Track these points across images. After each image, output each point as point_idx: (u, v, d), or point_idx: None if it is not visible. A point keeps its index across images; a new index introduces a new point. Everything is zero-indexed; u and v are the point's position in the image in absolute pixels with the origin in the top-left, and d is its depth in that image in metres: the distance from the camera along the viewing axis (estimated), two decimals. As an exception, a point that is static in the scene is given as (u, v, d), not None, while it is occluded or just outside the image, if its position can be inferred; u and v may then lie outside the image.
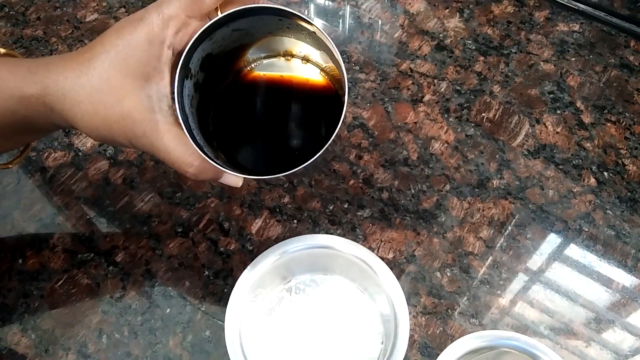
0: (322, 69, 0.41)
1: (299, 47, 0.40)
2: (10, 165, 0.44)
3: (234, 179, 0.39)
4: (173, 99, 0.36)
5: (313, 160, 0.35)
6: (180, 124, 0.35)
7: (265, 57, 0.41)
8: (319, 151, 0.35)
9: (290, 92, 0.42)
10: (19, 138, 0.42)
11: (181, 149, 0.35)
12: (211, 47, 0.37)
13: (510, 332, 0.37)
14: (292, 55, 0.41)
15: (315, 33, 0.36)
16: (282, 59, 0.41)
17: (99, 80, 0.35)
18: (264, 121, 0.42)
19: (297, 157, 0.40)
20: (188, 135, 0.35)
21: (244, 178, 0.38)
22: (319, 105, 0.41)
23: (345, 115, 0.36)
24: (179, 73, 0.35)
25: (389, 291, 0.42)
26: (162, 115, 0.35)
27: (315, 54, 0.41)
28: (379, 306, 0.45)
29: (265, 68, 0.41)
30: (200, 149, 0.35)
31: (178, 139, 0.35)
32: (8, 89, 0.36)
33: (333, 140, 0.35)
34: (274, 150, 0.42)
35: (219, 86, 0.41)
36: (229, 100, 0.41)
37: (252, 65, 0.41)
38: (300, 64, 0.41)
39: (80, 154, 0.56)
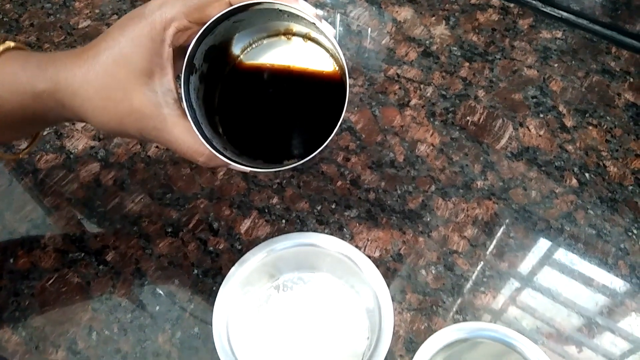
0: (323, 47, 0.41)
1: (299, 27, 0.40)
2: (20, 155, 0.45)
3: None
4: (179, 94, 0.37)
5: (320, 151, 0.36)
6: (188, 120, 0.36)
7: (266, 37, 0.41)
8: (323, 141, 0.36)
9: (292, 74, 0.42)
10: (28, 129, 0.44)
11: (191, 140, 0.37)
12: (213, 40, 0.38)
13: (488, 324, 0.38)
14: (293, 34, 0.41)
15: (314, 24, 0.37)
16: (283, 37, 0.41)
17: (105, 77, 0.36)
18: (267, 105, 0.42)
19: (303, 143, 0.41)
20: (197, 132, 0.36)
21: (249, 168, 0.39)
22: (322, 87, 0.41)
23: (349, 98, 0.36)
24: (184, 72, 0.36)
25: (374, 286, 0.43)
26: (169, 109, 0.37)
27: (316, 33, 0.41)
28: (365, 301, 0.45)
29: (266, 48, 0.42)
30: (208, 143, 0.36)
31: (187, 130, 0.37)
32: (20, 84, 0.37)
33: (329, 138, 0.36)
34: (279, 134, 0.42)
35: (223, 71, 0.42)
36: (232, 84, 0.42)
37: (254, 46, 0.42)
38: (302, 42, 0.41)
39: (71, 156, 0.57)
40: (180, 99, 0.37)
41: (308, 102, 0.42)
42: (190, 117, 0.36)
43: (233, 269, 0.44)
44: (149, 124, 0.37)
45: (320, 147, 0.37)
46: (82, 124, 0.59)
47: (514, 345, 0.37)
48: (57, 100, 0.37)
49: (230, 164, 0.38)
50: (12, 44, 0.38)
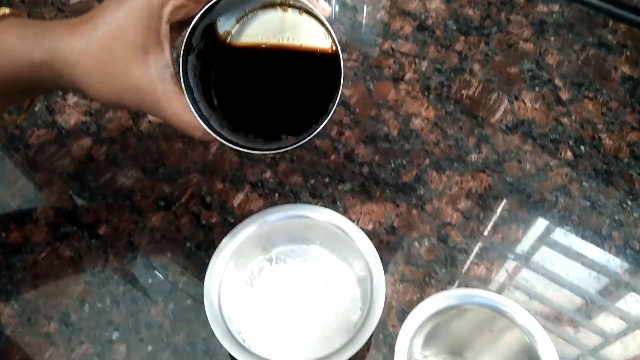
0: (318, 20, 0.40)
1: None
2: (18, 121, 0.45)
3: None
4: (176, 71, 0.37)
5: (315, 134, 0.37)
6: (186, 100, 0.37)
7: (261, 7, 0.40)
8: (318, 117, 0.36)
9: (287, 48, 0.41)
10: (23, 97, 0.44)
11: (188, 115, 0.37)
12: (211, 19, 0.38)
13: (477, 290, 0.38)
14: (289, 5, 0.40)
15: (310, 10, 0.37)
16: (279, 9, 0.40)
17: (103, 51, 0.35)
18: (262, 79, 0.42)
19: (298, 118, 0.40)
20: (195, 112, 0.36)
21: (246, 150, 0.39)
22: (317, 61, 0.41)
23: (344, 73, 0.36)
24: (182, 54, 0.36)
25: (366, 257, 0.43)
26: (166, 85, 0.37)
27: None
28: (357, 273, 0.45)
29: (262, 19, 0.41)
30: (205, 122, 0.36)
31: (184, 106, 0.37)
32: (18, 54, 0.36)
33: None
34: (274, 108, 0.42)
35: (219, 46, 0.41)
36: (228, 59, 0.41)
37: (249, 16, 0.41)
38: (297, 14, 0.40)
39: (63, 131, 0.57)
40: (177, 75, 0.37)
41: (303, 76, 0.42)
42: (188, 97, 0.36)
43: (225, 240, 0.44)
44: (147, 99, 0.37)
45: (315, 129, 0.37)
46: (74, 99, 0.59)
47: (504, 311, 0.36)
48: (55, 71, 0.36)
49: (226, 144, 0.38)
50: (7, 10, 0.37)
